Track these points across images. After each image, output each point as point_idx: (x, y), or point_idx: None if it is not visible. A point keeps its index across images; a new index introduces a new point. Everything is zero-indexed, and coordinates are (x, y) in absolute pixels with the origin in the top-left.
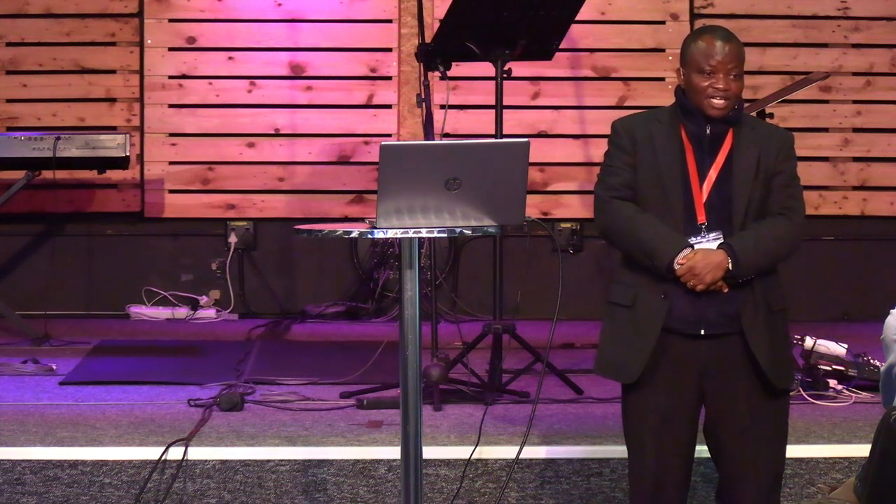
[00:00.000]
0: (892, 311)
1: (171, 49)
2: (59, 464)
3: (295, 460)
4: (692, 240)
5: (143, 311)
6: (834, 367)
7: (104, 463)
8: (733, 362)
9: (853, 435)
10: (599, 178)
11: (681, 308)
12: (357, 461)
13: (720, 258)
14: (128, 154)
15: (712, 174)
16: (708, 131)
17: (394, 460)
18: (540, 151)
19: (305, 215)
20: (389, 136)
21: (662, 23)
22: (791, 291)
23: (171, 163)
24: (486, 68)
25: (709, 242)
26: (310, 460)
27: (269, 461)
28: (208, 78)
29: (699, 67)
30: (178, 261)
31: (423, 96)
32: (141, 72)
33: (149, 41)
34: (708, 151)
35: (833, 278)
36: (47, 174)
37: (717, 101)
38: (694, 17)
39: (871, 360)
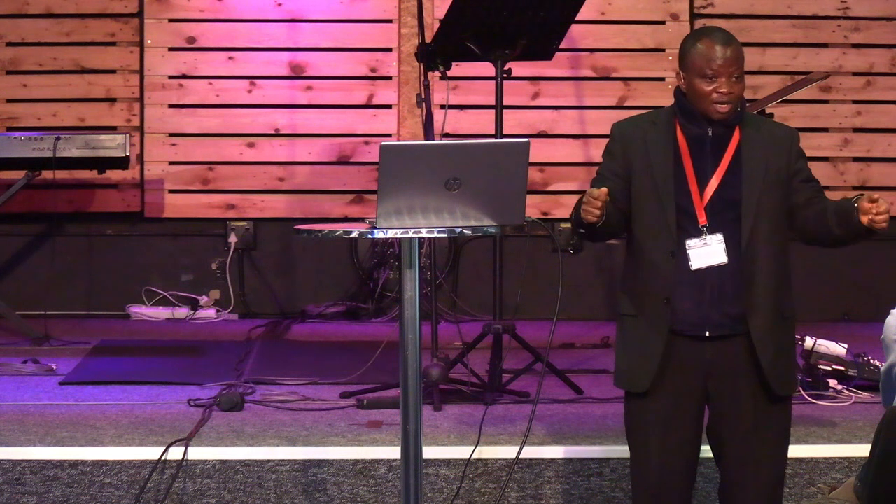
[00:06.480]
0: (892, 311)
1: (171, 49)
2: (59, 464)
3: (295, 460)
4: (691, 241)
5: (143, 311)
6: (834, 367)
7: (104, 463)
8: (738, 364)
9: (853, 435)
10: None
11: (685, 311)
12: (357, 461)
13: None
14: (128, 154)
15: (716, 176)
16: (710, 133)
17: (394, 460)
18: (540, 151)
19: (305, 215)
20: (389, 136)
21: (662, 23)
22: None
23: (171, 163)
24: (486, 68)
25: (709, 245)
26: (310, 460)
27: (269, 461)
28: (208, 78)
29: (701, 72)
30: (178, 261)
31: (423, 96)
32: (141, 72)
33: (149, 41)
34: (711, 153)
35: (833, 278)
36: (47, 174)
37: (722, 107)
38: (694, 17)
39: (871, 360)
